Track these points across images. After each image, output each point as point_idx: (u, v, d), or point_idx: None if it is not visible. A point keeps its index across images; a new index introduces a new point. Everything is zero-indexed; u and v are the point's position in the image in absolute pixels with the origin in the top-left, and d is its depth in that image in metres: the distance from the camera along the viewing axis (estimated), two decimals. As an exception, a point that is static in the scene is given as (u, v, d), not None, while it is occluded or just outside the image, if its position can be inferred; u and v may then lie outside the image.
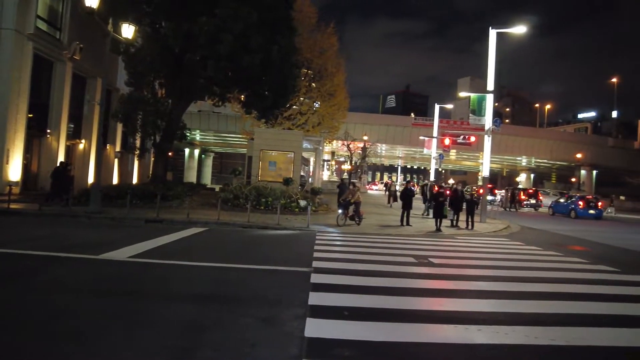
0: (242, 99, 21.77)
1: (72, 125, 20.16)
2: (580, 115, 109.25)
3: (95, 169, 14.86)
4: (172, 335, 4.04)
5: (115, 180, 23.58)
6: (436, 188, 17.27)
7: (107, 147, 22.49)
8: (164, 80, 19.88)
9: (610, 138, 63.64)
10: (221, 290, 5.79)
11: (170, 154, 25.93)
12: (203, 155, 65.74)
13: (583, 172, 57.73)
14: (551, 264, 9.14)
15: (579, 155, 52.55)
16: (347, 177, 44.57)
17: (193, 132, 47.45)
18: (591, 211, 26.67)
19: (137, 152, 22.10)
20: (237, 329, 4.24)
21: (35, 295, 5.13)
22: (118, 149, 24.25)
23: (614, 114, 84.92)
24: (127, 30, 13.76)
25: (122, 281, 6.09)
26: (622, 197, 56.37)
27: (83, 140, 21.02)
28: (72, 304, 4.88)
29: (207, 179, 60.82)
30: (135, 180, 25.56)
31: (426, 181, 26.23)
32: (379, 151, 59.68)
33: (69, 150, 20.12)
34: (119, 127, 23.12)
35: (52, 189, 15.18)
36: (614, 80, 78.41)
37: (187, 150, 60.09)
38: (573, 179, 61.15)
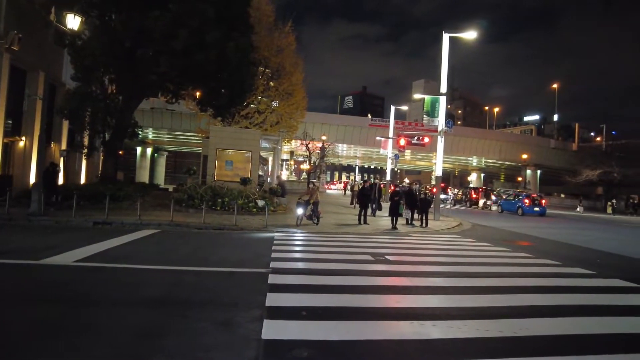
0: (197, 96, 21.19)
1: (10, 121, 18.76)
2: (525, 118, 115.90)
3: (37, 169, 13.93)
4: (122, 343, 3.84)
5: (60, 181, 22.20)
6: (392, 187, 17.64)
7: (52, 145, 21.14)
8: (115, 75, 18.94)
9: (552, 140, 67.89)
10: (175, 294, 5.58)
11: (120, 152, 24.81)
12: (156, 155, 63.53)
13: (529, 171, 61.17)
14: (500, 259, 9.58)
15: (524, 156, 55.66)
16: (285, 178, 44.83)
17: (145, 130, 45.75)
18: (536, 208, 28.28)
19: (85, 150, 20.91)
20: (191, 334, 4.09)
21: (-35, 306, 4.71)
22: (64, 147, 22.82)
23: (555, 117, 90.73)
24: (73, 21, 12.98)
25: (66, 287, 5.72)
26: (562, 195, 60.34)
27: (23, 138, 19.61)
28: (7, 315, 4.51)
29: (161, 179, 58.89)
30: (83, 181, 24.19)
31: (375, 181, 25.99)
32: (338, 151, 60.22)
33: (7, 148, 18.70)
34: (65, 125, 21.78)
35: (46, 191, 14.14)
36: (555, 86, 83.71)
37: (139, 149, 57.85)
38: (519, 179, 64.68)
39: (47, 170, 15.02)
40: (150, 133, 51.32)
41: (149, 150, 59.70)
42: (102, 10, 16.87)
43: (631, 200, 43.32)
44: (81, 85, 18.02)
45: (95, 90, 18.36)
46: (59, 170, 16.45)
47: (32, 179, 17.22)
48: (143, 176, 54.68)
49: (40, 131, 13.66)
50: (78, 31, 13.99)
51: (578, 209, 40.45)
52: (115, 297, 5.39)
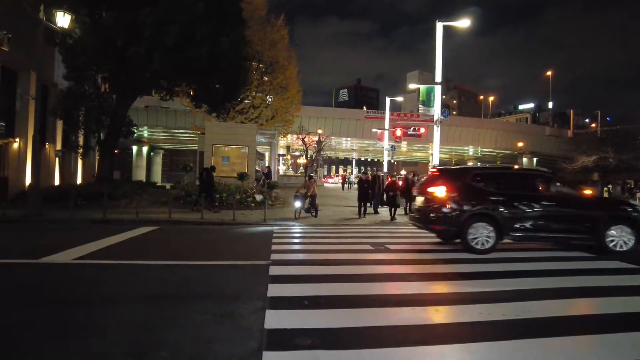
0: (191, 92, 21.07)
1: (4, 123, 18.61)
2: (520, 107, 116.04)
3: (32, 170, 13.86)
4: (124, 339, 3.81)
5: (56, 182, 22.09)
6: (389, 179, 17.60)
7: (46, 146, 21.00)
8: (107, 74, 18.79)
9: (547, 127, 68.06)
10: (175, 289, 5.56)
11: (116, 152, 24.69)
12: (152, 153, 63.35)
13: (525, 159, 61.34)
14: (500, 245, 9.57)
15: (520, 144, 55.79)
16: (282, 172, 44.63)
17: (140, 129, 45.55)
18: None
19: (81, 150, 20.82)
20: (192, 327, 4.07)
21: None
22: (59, 147, 22.67)
23: (550, 104, 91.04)
24: (62, 20, 12.86)
25: (65, 285, 5.69)
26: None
27: (17, 139, 19.47)
28: (7, 315, 4.45)
29: (157, 177, 58.74)
30: (79, 181, 24.09)
31: (378, 172, 22.24)
32: (335, 144, 60.10)
33: (1, 150, 18.58)
34: (59, 125, 21.63)
35: (201, 192, 15.22)
36: (549, 73, 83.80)
37: (134, 148, 57.67)
38: (516, 167, 64.88)
39: (209, 173, 15.66)
40: (146, 131, 51.12)
41: (144, 149, 59.53)
42: (92, 8, 16.70)
43: (628, 185, 43.58)
44: (74, 84, 17.89)
45: (88, 90, 18.24)
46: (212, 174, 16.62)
47: (28, 180, 17.11)
48: (140, 175, 54.54)
49: (34, 132, 13.57)
50: (68, 30, 13.87)
51: (639, 195, 35.61)
52: (116, 292, 5.37)
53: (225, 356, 3.46)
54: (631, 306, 5.03)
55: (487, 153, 66.50)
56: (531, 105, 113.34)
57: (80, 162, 24.68)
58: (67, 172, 23.76)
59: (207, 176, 15.41)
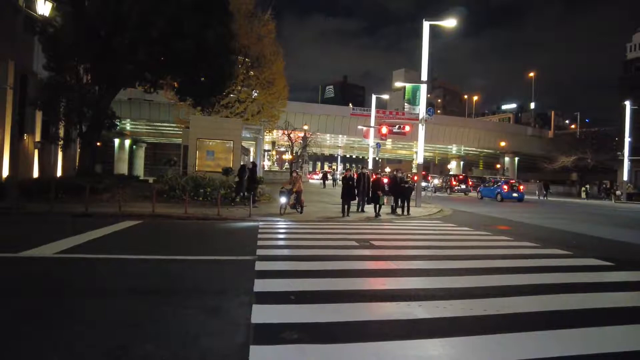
0: (175, 85, 20.78)
1: (-20, 113, 18.04)
2: (503, 107, 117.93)
3: (10, 161, 13.51)
4: (108, 333, 3.78)
5: (35, 174, 21.55)
6: (374, 176, 17.65)
7: (25, 137, 20.46)
8: (90, 64, 18.37)
9: (529, 127, 69.35)
10: (161, 283, 5.53)
11: (98, 144, 24.22)
12: (134, 146, 62.39)
13: (507, 159, 62.42)
14: (481, 243, 9.80)
15: (502, 144, 56.74)
16: (267, 168, 44.10)
17: (123, 122, 44.72)
18: (514, 194, 28.93)
19: (61, 142, 20.33)
20: (179, 322, 4.07)
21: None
22: (38, 139, 22.11)
23: (532, 105, 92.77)
24: (43, 7, 12.53)
25: (47, 279, 5.60)
26: (539, 182, 61.78)
27: (-6, 130, 18.92)
28: (-11, 307, 4.38)
29: (140, 171, 57.85)
30: (59, 173, 23.55)
31: (364, 170, 20.50)
32: (326, 139, 59.95)
33: (-22, 141, 18.01)
34: (39, 116, 21.08)
35: (239, 186, 15.90)
36: (532, 74, 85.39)
37: (117, 141, 56.72)
38: (498, 166, 65.94)
39: (251, 170, 16.21)
40: (128, 124, 50.26)
41: (127, 142, 58.62)
42: (75, -4, 16.29)
43: (604, 185, 44.77)
44: (54, 74, 17.46)
45: (69, 80, 17.82)
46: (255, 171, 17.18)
47: (5, 172, 16.67)
48: (121, 168, 53.70)
49: (12, 123, 13.22)
50: (49, 18, 13.53)
51: (618, 192, 35.34)
52: (100, 287, 5.31)
53: (212, 350, 3.48)
54: (607, 302, 5.22)
55: (470, 152, 67.47)
56: (514, 105, 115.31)
57: (60, 154, 24.12)
58: (47, 164, 23.19)
59: (251, 173, 16.02)
